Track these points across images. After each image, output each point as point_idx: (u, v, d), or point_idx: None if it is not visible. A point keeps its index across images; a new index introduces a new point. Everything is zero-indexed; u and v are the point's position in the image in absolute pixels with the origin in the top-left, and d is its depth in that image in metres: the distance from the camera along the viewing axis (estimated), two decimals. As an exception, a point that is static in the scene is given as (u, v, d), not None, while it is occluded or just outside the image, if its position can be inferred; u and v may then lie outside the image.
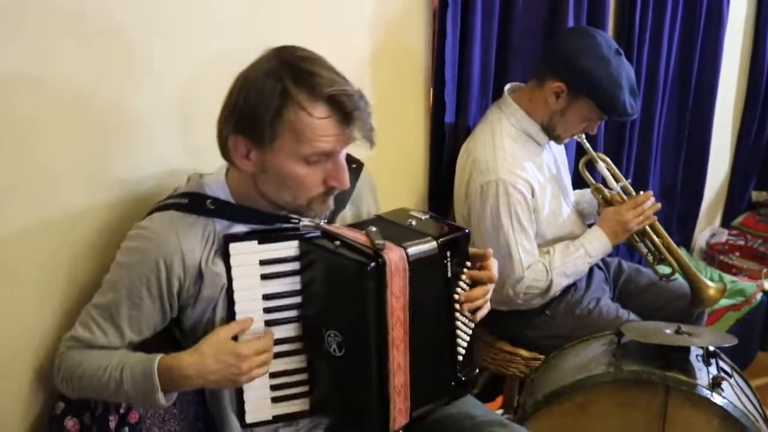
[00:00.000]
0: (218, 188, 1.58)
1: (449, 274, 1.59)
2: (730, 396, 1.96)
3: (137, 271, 1.52)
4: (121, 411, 1.65)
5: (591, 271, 2.38)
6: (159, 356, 1.49)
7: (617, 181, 2.33)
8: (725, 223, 4.04)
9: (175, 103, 1.81)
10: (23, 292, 1.62)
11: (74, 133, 1.62)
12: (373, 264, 1.44)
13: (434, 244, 1.54)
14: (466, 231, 1.62)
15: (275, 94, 1.39)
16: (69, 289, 1.69)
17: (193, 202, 1.55)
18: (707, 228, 3.89)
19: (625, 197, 2.29)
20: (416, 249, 1.52)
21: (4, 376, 1.60)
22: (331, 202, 1.56)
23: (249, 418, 1.60)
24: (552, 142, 2.32)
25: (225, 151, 1.51)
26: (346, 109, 1.41)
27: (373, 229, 1.55)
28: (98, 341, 1.54)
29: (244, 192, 1.57)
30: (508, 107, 2.25)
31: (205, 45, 1.83)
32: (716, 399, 1.90)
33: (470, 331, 1.67)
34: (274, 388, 1.61)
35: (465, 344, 1.66)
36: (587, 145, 2.33)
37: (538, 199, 2.18)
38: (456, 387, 1.66)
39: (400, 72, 2.27)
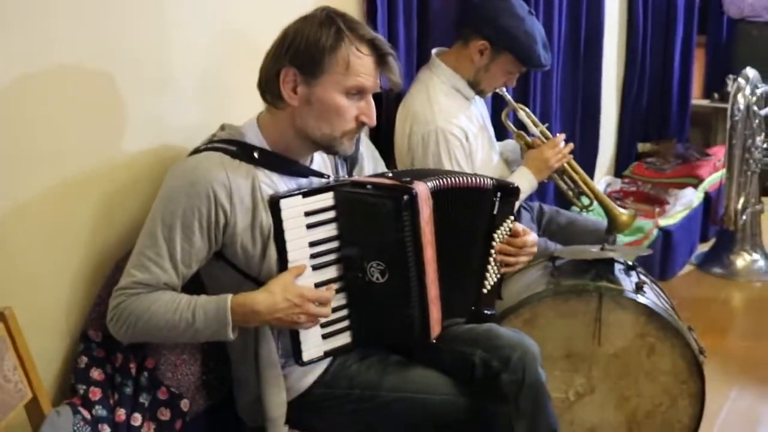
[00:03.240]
0: (254, 135, 1.76)
1: (495, 211, 1.84)
2: (652, 297, 2.31)
3: (189, 203, 1.65)
4: (139, 359, 1.82)
5: (518, 211, 2.68)
6: (230, 295, 1.64)
7: (536, 126, 2.63)
8: (617, 173, 4.46)
9: (201, 65, 2.02)
10: (57, 248, 1.74)
11: (114, 87, 1.80)
12: (406, 196, 1.68)
13: (454, 179, 1.80)
14: (517, 186, 1.89)
15: (331, 34, 1.63)
16: (96, 243, 1.83)
17: (242, 150, 1.72)
18: (603, 178, 4.29)
19: (544, 140, 2.58)
20: (435, 182, 1.77)
21: (40, 327, 1.70)
22: (354, 142, 1.80)
23: (305, 357, 1.74)
24: (477, 98, 2.59)
25: (271, 87, 1.70)
26: (382, 51, 1.70)
27: (390, 174, 1.82)
28: (160, 279, 1.65)
29: (278, 135, 1.76)
30: (437, 67, 2.51)
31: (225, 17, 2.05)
32: (641, 299, 2.25)
33: (498, 275, 1.92)
34: (323, 326, 1.76)
35: (492, 282, 1.90)
36: (508, 96, 2.62)
37: (472, 144, 2.45)
38: (473, 314, 1.91)
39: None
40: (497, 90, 2.60)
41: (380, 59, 1.71)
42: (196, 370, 1.92)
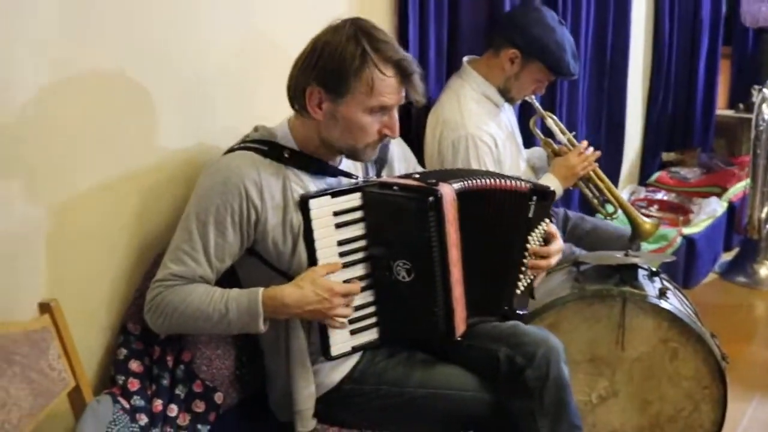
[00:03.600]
0: (285, 136, 1.81)
1: (530, 215, 1.86)
2: (675, 303, 2.33)
3: (222, 200, 1.70)
4: (175, 352, 1.87)
5: (548, 216, 2.72)
6: (261, 289, 1.69)
7: (563, 134, 2.67)
8: (642, 181, 4.47)
9: (230, 70, 2.08)
10: (98, 245, 1.81)
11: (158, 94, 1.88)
12: (432, 198, 1.72)
13: (484, 181, 1.84)
14: (553, 190, 1.91)
15: (356, 55, 1.66)
16: (135, 240, 1.89)
17: (273, 150, 1.78)
18: (627, 186, 4.30)
19: (571, 148, 2.61)
20: (462, 184, 1.80)
21: (83, 320, 1.76)
22: (377, 150, 1.84)
23: (334, 351, 1.79)
24: (506, 105, 2.63)
25: (298, 99, 1.74)
26: (407, 72, 1.71)
27: (417, 175, 1.85)
28: (195, 272, 1.70)
29: (306, 139, 1.81)
30: (469, 75, 2.56)
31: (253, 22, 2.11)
32: (664, 305, 2.27)
33: (532, 277, 1.94)
34: (351, 322, 1.80)
35: (525, 283, 1.93)
36: (536, 104, 2.66)
37: (501, 151, 2.49)
38: (507, 312, 1.93)
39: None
40: (526, 98, 2.64)
41: (405, 79, 1.73)
42: (230, 365, 1.96)
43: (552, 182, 2.54)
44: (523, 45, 2.47)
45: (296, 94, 1.75)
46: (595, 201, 2.72)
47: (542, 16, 2.50)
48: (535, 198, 1.85)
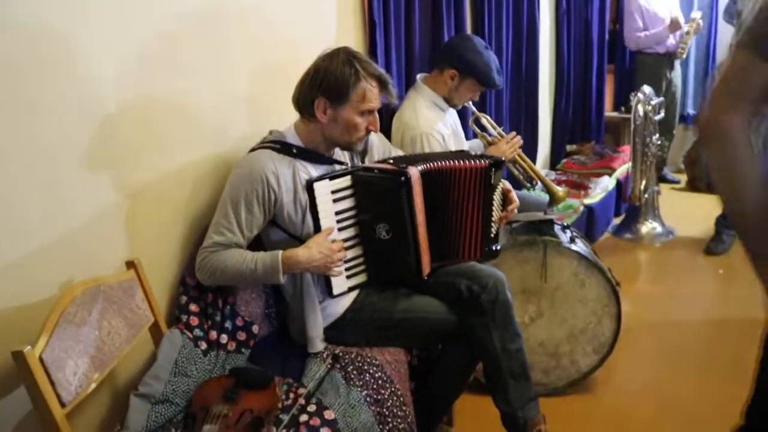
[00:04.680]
0: (292, 137, 1.92)
1: (492, 181, 1.93)
2: (581, 246, 2.49)
3: (249, 186, 1.80)
4: (222, 297, 1.96)
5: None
6: (280, 251, 1.79)
7: (494, 129, 2.79)
8: (552, 166, 4.54)
9: (249, 89, 2.15)
10: (164, 220, 1.88)
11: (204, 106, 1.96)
12: (403, 178, 1.84)
13: (488, 161, 1.92)
14: (502, 158, 2.02)
15: (351, 74, 1.81)
16: (188, 217, 1.97)
17: (284, 147, 1.88)
18: (542, 171, 4.41)
19: (500, 139, 2.72)
20: (424, 166, 1.90)
21: (154, 276, 1.82)
22: (364, 142, 1.96)
23: (335, 291, 1.91)
24: (450, 109, 2.73)
25: (307, 109, 1.85)
26: (385, 82, 1.87)
27: (391, 160, 1.96)
28: (231, 241, 1.79)
29: (310, 137, 1.91)
30: (421, 88, 2.66)
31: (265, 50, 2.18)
32: (574, 248, 2.41)
33: (497, 226, 2.02)
34: (347, 270, 1.92)
35: (495, 228, 2.01)
36: (473, 108, 2.79)
37: (447, 144, 2.59)
38: (487, 253, 2.00)
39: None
40: (465, 104, 2.74)
41: (383, 87, 1.88)
42: (261, 305, 2.05)
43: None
44: (460, 66, 2.57)
45: (305, 105, 1.87)
46: (521, 177, 2.82)
47: (473, 43, 2.59)
48: (494, 168, 1.93)
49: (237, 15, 2.09)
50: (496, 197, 2.01)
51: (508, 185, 2.09)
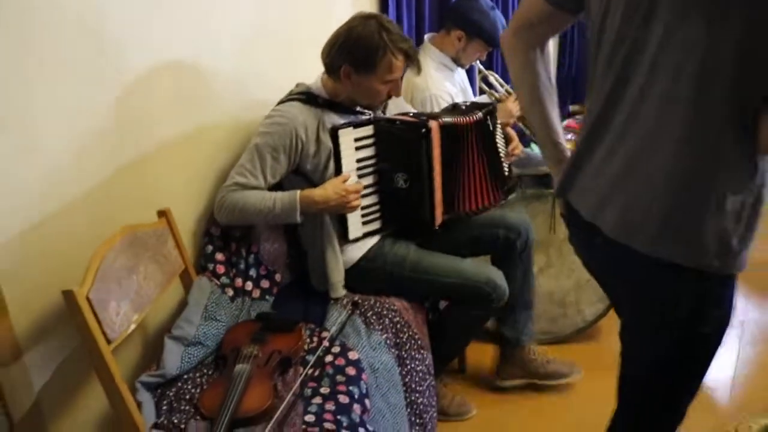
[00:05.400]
0: (319, 89, 1.98)
1: (491, 128, 2.09)
2: None
3: (279, 137, 1.87)
4: (245, 246, 2.05)
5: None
6: (298, 191, 1.86)
7: (501, 86, 2.84)
8: None
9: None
10: (190, 174, 1.97)
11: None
12: (424, 129, 1.92)
13: (480, 113, 2.05)
14: (495, 104, 2.16)
15: (380, 46, 1.87)
16: (209, 174, 2.05)
17: (309, 98, 1.95)
18: None
19: (508, 96, 2.76)
20: (446, 119, 2.00)
21: (182, 226, 1.88)
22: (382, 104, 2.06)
23: (351, 235, 1.98)
24: (459, 69, 2.77)
25: (334, 72, 1.92)
26: (410, 56, 1.93)
27: (411, 114, 2.04)
28: (251, 183, 1.87)
29: (334, 92, 1.98)
30: (429, 49, 2.68)
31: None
32: None
33: (509, 161, 2.21)
34: (362, 215, 1.99)
35: (507, 166, 2.20)
36: (480, 66, 2.84)
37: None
38: (506, 191, 2.21)
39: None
40: (473, 63, 2.79)
41: (408, 60, 1.95)
42: (283, 254, 2.13)
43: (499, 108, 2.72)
44: (466, 27, 2.60)
45: (332, 66, 1.93)
46: (528, 132, 2.88)
47: (479, 4, 2.62)
48: (489, 117, 2.07)
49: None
50: (499, 139, 2.15)
51: (509, 131, 2.26)
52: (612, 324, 2.61)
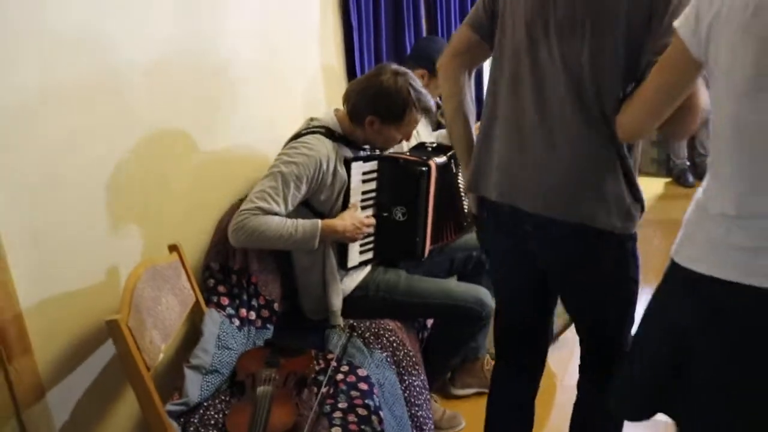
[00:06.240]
0: (334, 125, 2.09)
1: (454, 170, 2.30)
2: None
3: (305, 167, 1.94)
4: (245, 279, 2.10)
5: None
6: (320, 220, 1.97)
7: None
8: None
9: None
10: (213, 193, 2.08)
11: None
12: (426, 168, 2.11)
13: (444, 157, 2.26)
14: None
15: (408, 104, 2.04)
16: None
17: (329, 132, 2.06)
18: None
19: None
20: (439, 160, 2.22)
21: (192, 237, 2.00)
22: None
23: (350, 263, 2.10)
24: None
25: (358, 118, 2.06)
26: (429, 112, 2.14)
27: (408, 152, 2.22)
28: (273, 209, 1.90)
29: (349, 131, 2.10)
30: None
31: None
32: None
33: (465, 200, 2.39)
34: (360, 245, 2.12)
35: (465, 204, 2.36)
36: (440, 101, 3.04)
37: (420, 136, 2.73)
38: (462, 226, 2.40)
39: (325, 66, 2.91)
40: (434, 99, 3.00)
41: (426, 115, 2.18)
42: (278, 286, 2.20)
43: None
44: (428, 66, 2.73)
45: (356, 113, 2.07)
46: None
47: (440, 45, 2.79)
48: (453, 159, 2.31)
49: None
50: (460, 178, 2.34)
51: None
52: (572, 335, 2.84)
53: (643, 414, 1.42)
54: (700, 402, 1.26)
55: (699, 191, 1.28)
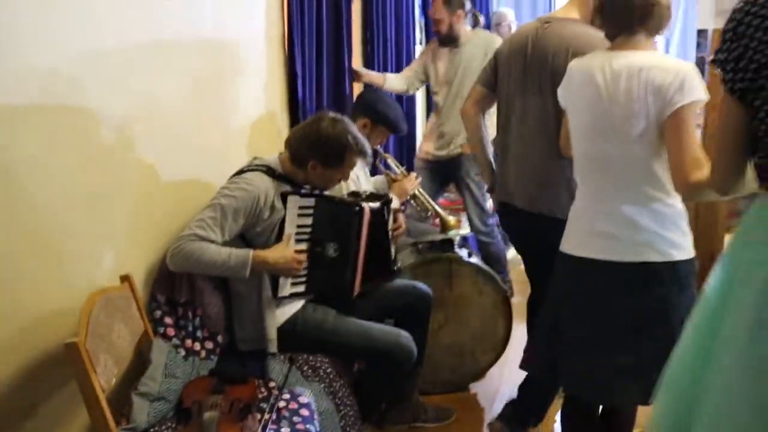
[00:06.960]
0: (276, 165, 2.23)
1: (386, 216, 2.45)
2: (477, 260, 2.99)
3: (242, 201, 2.07)
4: (191, 311, 2.20)
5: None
6: (252, 250, 2.07)
7: (398, 168, 3.19)
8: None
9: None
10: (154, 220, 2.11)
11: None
12: (358, 208, 2.26)
13: (378, 203, 2.41)
14: (391, 196, 2.53)
15: (347, 150, 2.21)
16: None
17: (269, 171, 2.19)
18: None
19: (403, 177, 3.03)
20: (374, 205, 2.37)
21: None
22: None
23: (280, 294, 2.18)
24: None
25: (300, 162, 2.21)
26: (366, 157, 2.33)
27: (346, 196, 2.39)
28: (210, 237, 2.01)
29: (291, 170, 2.24)
30: None
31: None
32: (472, 260, 2.91)
33: (394, 247, 2.56)
34: (292, 277, 2.20)
35: (394, 251, 2.55)
36: (381, 150, 3.22)
37: (359, 184, 2.83)
38: (390, 273, 2.55)
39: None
40: (375, 147, 3.11)
41: (363, 158, 2.34)
42: (221, 319, 2.28)
43: (394, 199, 3.11)
44: (371, 116, 2.95)
45: (300, 160, 2.21)
46: (418, 209, 3.24)
47: (382, 96, 3.03)
48: (386, 205, 2.49)
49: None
50: (390, 225, 2.53)
51: (398, 215, 2.68)
52: (502, 367, 3.00)
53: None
54: None
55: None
